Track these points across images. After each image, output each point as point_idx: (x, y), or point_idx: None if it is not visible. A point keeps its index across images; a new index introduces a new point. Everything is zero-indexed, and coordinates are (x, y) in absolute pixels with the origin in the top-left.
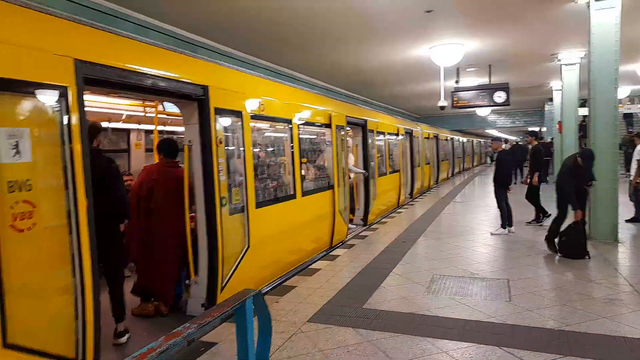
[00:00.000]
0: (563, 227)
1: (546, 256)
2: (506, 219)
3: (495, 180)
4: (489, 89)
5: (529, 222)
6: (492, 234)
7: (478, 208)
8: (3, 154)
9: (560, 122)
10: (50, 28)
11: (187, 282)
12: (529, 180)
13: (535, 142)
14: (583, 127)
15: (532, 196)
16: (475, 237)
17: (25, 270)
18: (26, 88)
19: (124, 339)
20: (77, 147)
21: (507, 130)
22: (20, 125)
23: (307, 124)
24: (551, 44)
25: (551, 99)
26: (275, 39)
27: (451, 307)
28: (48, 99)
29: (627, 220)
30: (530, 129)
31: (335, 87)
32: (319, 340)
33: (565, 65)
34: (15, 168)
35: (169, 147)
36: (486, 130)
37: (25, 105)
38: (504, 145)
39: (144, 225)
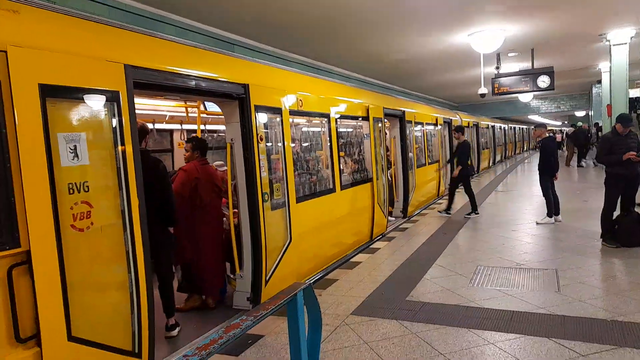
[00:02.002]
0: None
1: (597, 245)
2: (552, 208)
3: (539, 167)
4: (532, 74)
5: None
6: (537, 223)
7: (522, 197)
8: (63, 158)
9: (609, 105)
10: (102, 36)
11: (232, 276)
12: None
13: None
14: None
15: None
16: (520, 227)
17: (86, 268)
18: (82, 94)
19: (175, 332)
20: (129, 149)
21: (552, 115)
22: (77, 130)
23: (344, 117)
24: (599, 24)
25: (599, 81)
26: (310, 33)
27: (497, 299)
28: (102, 104)
29: None
30: (577, 113)
31: (371, 79)
32: (363, 333)
33: (615, 45)
34: (74, 171)
35: (203, 145)
36: (529, 117)
37: (81, 111)
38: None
39: (190, 225)
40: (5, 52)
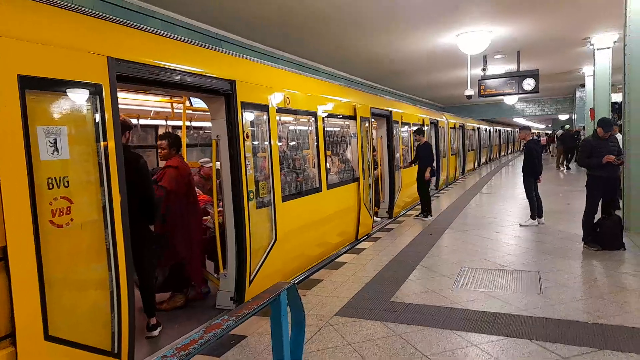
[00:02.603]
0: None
1: (578, 248)
2: (536, 210)
3: (524, 170)
4: (517, 76)
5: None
6: (521, 225)
7: (506, 199)
8: (42, 152)
9: (592, 109)
10: (84, 27)
11: (215, 275)
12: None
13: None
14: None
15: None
16: (503, 228)
17: (64, 265)
18: (63, 87)
19: (156, 332)
20: (111, 144)
21: (536, 118)
22: (58, 124)
23: (331, 116)
24: (583, 28)
25: (583, 85)
26: (298, 30)
27: (481, 300)
28: (83, 97)
29: None
30: (560, 116)
31: (358, 78)
32: (347, 334)
33: (598, 49)
34: (54, 165)
35: (179, 142)
36: (514, 119)
37: (62, 104)
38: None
39: (186, 222)
40: None
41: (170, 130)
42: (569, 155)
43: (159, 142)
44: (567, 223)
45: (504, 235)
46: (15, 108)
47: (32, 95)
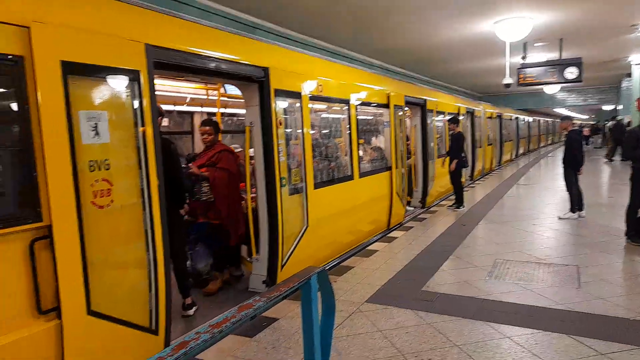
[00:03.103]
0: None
1: (621, 243)
2: (576, 203)
3: (564, 161)
4: (559, 65)
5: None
6: (560, 218)
7: (544, 191)
8: (84, 135)
9: (639, 99)
10: (123, 14)
11: (248, 259)
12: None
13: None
14: None
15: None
16: (541, 221)
17: (105, 244)
18: (103, 73)
19: (191, 312)
20: (149, 129)
21: (579, 109)
22: (98, 108)
23: (364, 104)
24: (632, 14)
25: (629, 74)
26: (332, 18)
27: (515, 293)
28: (122, 83)
29: None
30: (604, 107)
31: (393, 66)
32: (377, 321)
33: None
34: (95, 149)
35: (219, 128)
36: (554, 109)
37: (102, 89)
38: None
39: (239, 201)
40: (29, 28)
41: (206, 116)
42: (615, 146)
43: (204, 128)
44: (609, 217)
45: (542, 227)
46: (59, 93)
47: (74, 81)
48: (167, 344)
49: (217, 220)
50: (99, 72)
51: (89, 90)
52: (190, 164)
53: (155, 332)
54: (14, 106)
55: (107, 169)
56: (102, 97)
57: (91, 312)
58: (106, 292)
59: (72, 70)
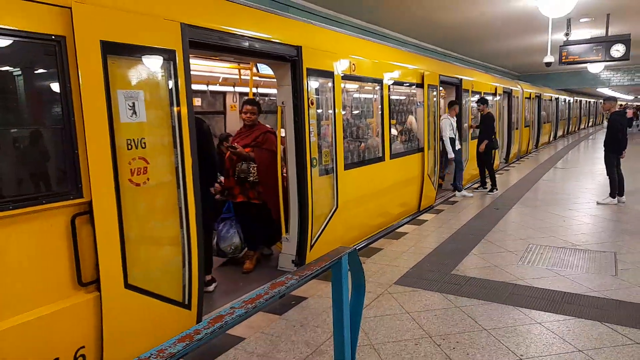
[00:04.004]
0: None
1: None
2: (616, 188)
3: (606, 144)
4: (605, 42)
5: None
6: (598, 203)
7: (583, 175)
8: (122, 114)
9: None
10: None
11: (279, 240)
12: None
13: None
14: None
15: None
16: (578, 206)
17: (141, 221)
18: (140, 52)
19: (211, 288)
20: (184, 108)
21: (625, 89)
22: (135, 88)
23: (397, 83)
24: None
25: None
26: None
27: (548, 279)
28: (159, 62)
29: None
30: None
31: (427, 44)
32: (405, 303)
33: None
34: (133, 127)
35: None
36: (597, 89)
37: (139, 69)
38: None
39: (277, 182)
40: (70, 8)
41: (238, 96)
42: None
43: (247, 107)
44: None
45: (578, 212)
46: (99, 72)
47: (113, 60)
48: (199, 318)
49: (256, 200)
50: (136, 52)
51: (127, 70)
52: (236, 144)
53: (188, 307)
54: (56, 86)
55: (144, 148)
56: (139, 77)
57: (128, 286)
58: (142, 267)
59: (112, 50)
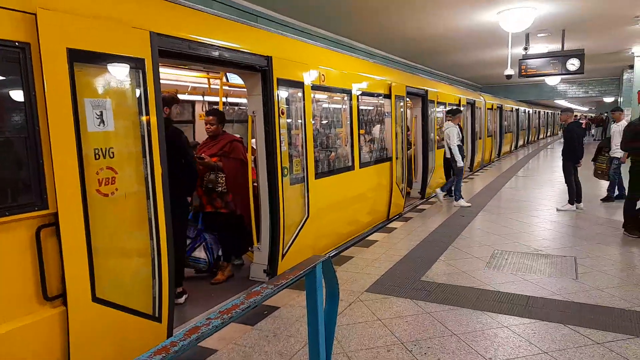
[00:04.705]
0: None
1: (618, 235)
2: (574, 195)
3: (564, 153)
4: (561, 56)
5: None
6: (558, 210)
7: (543, 183)
8: (89, 123)
9: None
10: (128, 1)
11: (249, 248)
12: None
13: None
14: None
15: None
16: (539, 213)
17: (110, 232)
18: (108, 60)
19: (182, 300)
20: (153, 117)
21: (579, 101)
22: (103, 96)
23: (366, 94)
24: (635, 5)
25: (631, 66)
26: (335, 7)
27: (513, 283)
28: (127, 71)
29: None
30: (605, 99)
31: (394, 56)
32: (377, 310)
33: None
34: (100, 136)
35: (224, 118)
36: (555, 101)
37: (107, 77)
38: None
39: (247, 190)
40: (35, 14)
41: (207, 105)
42: None
43: (207, 118)
44: (607, 209)
45: (540, 219)
46: (65, 81)
47: (80, 68)
48: (169, 331)
49: (224, 209)
50: (104, 60)
51: (94, 78)
52: (203, 155)
53: (158, 320)
54: (20, 94)
55: (112, 157)
56: (107, 85)
57: (96, 299)
58: (111, 280)
59: (78, 58)
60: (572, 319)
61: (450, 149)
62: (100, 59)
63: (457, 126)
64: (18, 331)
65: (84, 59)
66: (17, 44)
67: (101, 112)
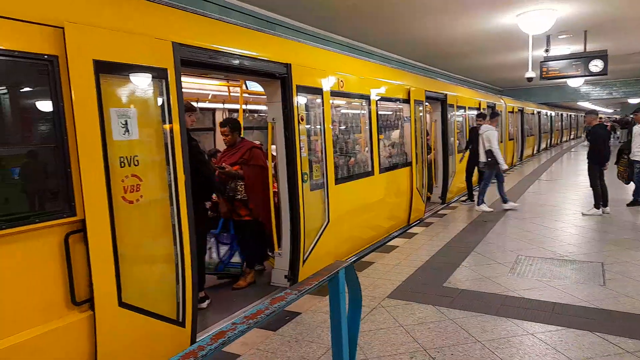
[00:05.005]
0: None
1: None
2: (600, 199)
3: (589, 156)
4: (583, 57)
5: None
6: (583, 214)
7: (568, 187)
8: (115, 132)
9: None
10: (151, 13)
11: (270, 254)
12: None
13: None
14: None
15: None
16: (564, 217)
17: (135, 238)
18: (132, 71)
19: (204, 305)
20: (176, 125)
21: (604, 102)
22: (128, 106)
23: (384, 99)
24: None
25: None
26: (352, 13)
27: (538, 289)
28: (151, 80)
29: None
30: (630, 100)
31: (412, 61)
32: (399, 316)
33: None
34: (125, 145)
35: (239, 125)
36: (578, 103)
37: (132, 87)
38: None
39: (268, 196)
40: (63, 28)
41: (227, 113)
42: None
43: (221, 129)
44: (634, 214)
45: (565, 224)
46: (92, 91)
47: (105, 79)
48: (193, 336)
49: (248, 217)
50: (129, 71)
51: (119, 88)
52: (224, 164)
53: (182, 325)
54: (49, 104)
55: (137, 165)
56: (131, 95)
57: (122, 304)
58: (136, 285)
59: (104, 69)
60: (601, 327)
61: (487, 152)
62: (124, 70)
63: (496, 129)
64: (49, 335)
65: (110, 70)
66: (46, 56)
67: (126, 121)
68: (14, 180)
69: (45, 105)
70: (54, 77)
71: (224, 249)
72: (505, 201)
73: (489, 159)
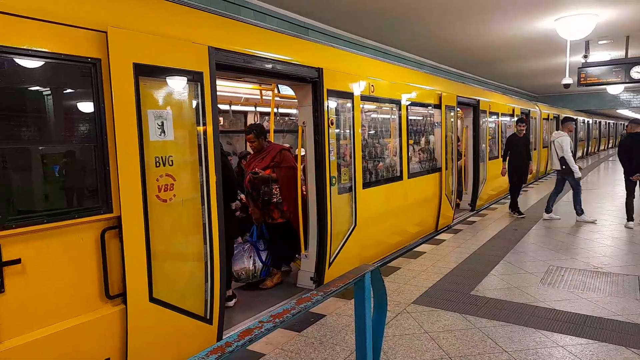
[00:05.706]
0: None
1: None
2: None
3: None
4: (625, 64)
5: None
6: (626, 227)
7: (604, 197)
8: (152, 133)
9: None
10: (188, 18)
11: (297, 255)
12: None
13: None
14: None
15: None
16: (599, 228)
17: (167, 236)
18: (170, 74)
19: (231, 303)
20: (210, 128)
21: None
22: (164, 108)
23: (415, 104)
24: None
25: None
26: (385, 18)
27: (570, 301)
28: (187, 83)
29: None
30: None
31: (444, 66)
32: (424, 322)
33: None
34: (161, 145)
35: (264, 130)
36: (617, 111)
37: (168, 90)
38: None
39: (296, 195)
40: (106, 32)
41: (259, 116)
42: None
43: (247, 137)
44: None
45: (600, 235)
46: (131, 93)
47: (144, 82)
48: (220, 333)
49: (281, 219)
50: (166, 74)
51: (157, 91)
52: (257, 169)
53: (209, 322)
54: (91, 105)
55: (171, 165)
56: (168, 97)
57: (153, 299)
58: (167, 281)
59: (143, 72)
60: (636, 342)
61: (560, 159)
62: (162, 73)
63: (568, 135)
64: (84, 326)
65: (148, 73)
66: (89, 59)
67: (162, 123)
68: (56, 177)
69: (87, 107)
70: (96, 80)
71: (264, 254)
72: (579, 213)
73: (563, 167)
